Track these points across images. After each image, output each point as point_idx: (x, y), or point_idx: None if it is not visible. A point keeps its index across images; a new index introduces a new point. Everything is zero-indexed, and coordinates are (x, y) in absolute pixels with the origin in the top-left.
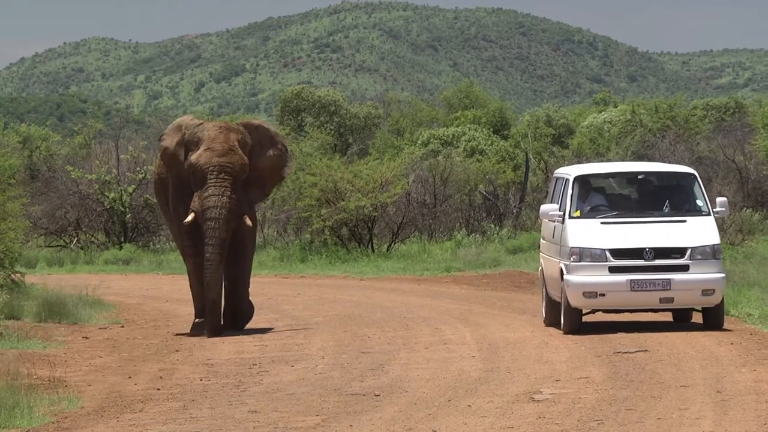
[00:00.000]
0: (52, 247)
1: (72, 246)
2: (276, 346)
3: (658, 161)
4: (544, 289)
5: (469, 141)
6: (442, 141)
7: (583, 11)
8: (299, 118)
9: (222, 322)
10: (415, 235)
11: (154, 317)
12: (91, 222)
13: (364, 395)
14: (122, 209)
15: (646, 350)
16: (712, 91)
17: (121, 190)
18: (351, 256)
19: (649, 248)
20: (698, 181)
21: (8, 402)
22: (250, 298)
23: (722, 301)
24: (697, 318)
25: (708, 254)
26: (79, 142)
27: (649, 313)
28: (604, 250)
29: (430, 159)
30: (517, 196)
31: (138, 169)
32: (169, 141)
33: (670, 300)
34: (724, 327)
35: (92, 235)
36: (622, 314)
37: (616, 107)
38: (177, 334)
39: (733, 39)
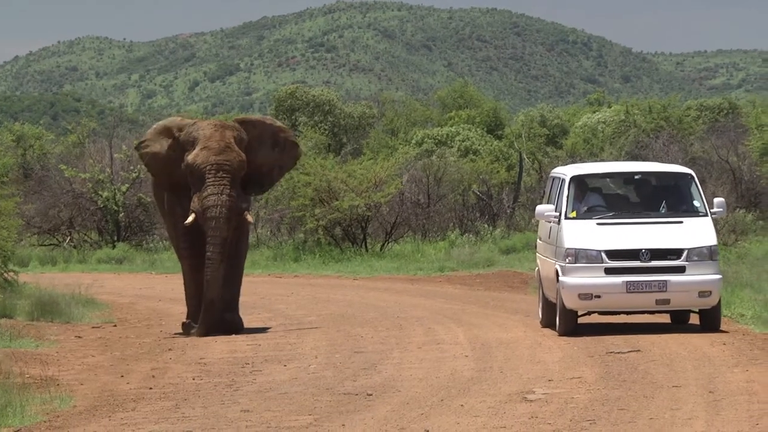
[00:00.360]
0: (45, 245)
1: (65, 245)
2: (269, 345)
3: (651, 162)
4: (540, 291)
5: (463, 141)
6: (436, 141)
7: (578, 12)
8: (293, 117)
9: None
10: (409, 234)
11: (147, 316)
12: (84, 221)
13: (356, 395)
14: (115, 208)
15: (638, 350)
16: (706, 92)
17: (114, 189)
18: (344, 256)
19: (645, 249)
20: (695, 182)
21: (0, 401)
22: (242, 298)
23: (719, 302)
24: (695, 320)
25: (705, 255)
26: (72, 140)
27: (646, 315)
28: (599, 251)
29: (424, 159)
30: (511, 197)
31: (131, 168)
32: (159, 146)
33: (667, 302)
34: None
35: (85, 234)
36: (618, 315)
37: (610, 107)
38: (175, 334)
39: (727, 40)
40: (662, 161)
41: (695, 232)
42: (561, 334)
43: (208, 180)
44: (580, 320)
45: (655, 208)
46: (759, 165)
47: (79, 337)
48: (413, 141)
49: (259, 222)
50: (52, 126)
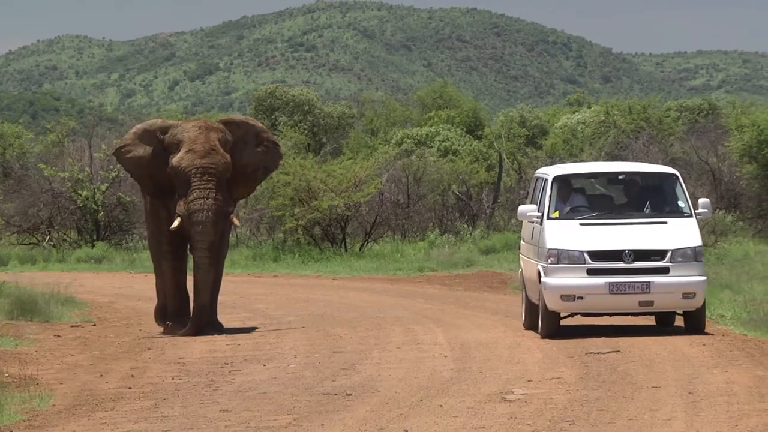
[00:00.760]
0: (24, 244)
1: (44, 244)
2: (248, 345)
3: (635, 162)
4: (523, 292)
5: (442, 141)
6: (416, 141)
7: (558, 12)
8: (273, 117)
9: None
10: (389, 234)
11: (126, 315)
12: (63, 220)
13: (335, 395)
14: (95, 207)
15: (618, 351)
16: (686, 93)
17: (94, 189)
18: (324, 256)
19: (628, 250)
20: (680, 182)
21: None
22: (221, 297)
23: (704, 304)
24: (681, 322)
25: (689, 257)
26: (52, 140)
27: (631, 317)
28: (582, 252)
29: (404, 159)
30: (491, 197)
31: (111, 167)
32: (141, 150)
33: (650, 303)
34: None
35: (65, 233)
36: (602, 317)
37: (590, 108)
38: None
39: (707, 41)
40: (642, 162)
41: (679, 232)
42: (543, 336)
43: (193, 184)
44: (563, 322)
45: (639, 208)
46: (739, 166)
47: (59, 336)
48: (393, 141)
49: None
50: (32, 125)
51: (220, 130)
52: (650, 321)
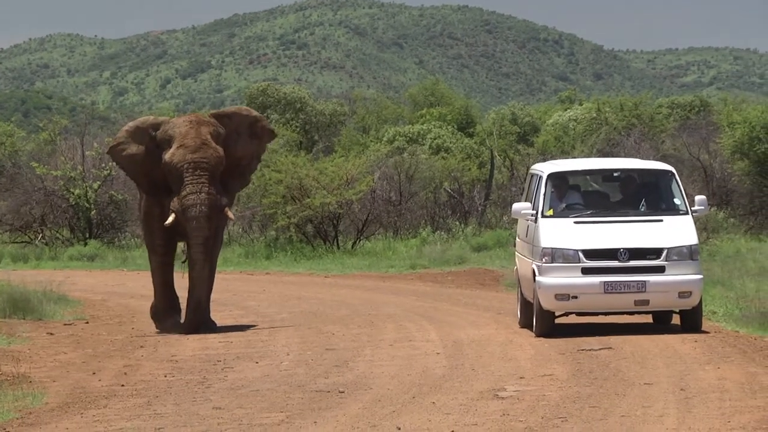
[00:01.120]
0: (16, 243)
1: (37, 242)
2: (241, 342)
3: (630, 158)
4: (518, 290)
5: (434, 138)
6: (408, 138)
7: (549, 9)
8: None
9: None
10: (381, 232)
11: (119, 313)
12: (56, 218)
13: (328, 392)
14: (87, 206)
15: (610, 348)
16: (678, 90)
17: (86, 187)
18: (316, 253)
19: (623, 249)
20: (676, 179)
21: None
22: (214, 295)
23: (700, 303)
24: (678, 320)
25: (685, 255)
26: (44, 138)
27: (627, 315)
28: (576, 250)
29: (396, 156)
30: (482, 194)
31: (103, 165)
32: (135, 147)
33: (646, 302)
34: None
35: (57, 232)
36: (597, 316)
37: (582, 105)
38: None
39: (698, 37)
40: (635, 159)
41: (675, 230)
42: (538, 335)
43: (186, 179)
44: (558, 321)
45: (634, 206)
46: (730, 162)
47: (51, 334)
48: (385, 138)
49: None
50: (24, 123)
51: (211, 124)
52: (646, 319)
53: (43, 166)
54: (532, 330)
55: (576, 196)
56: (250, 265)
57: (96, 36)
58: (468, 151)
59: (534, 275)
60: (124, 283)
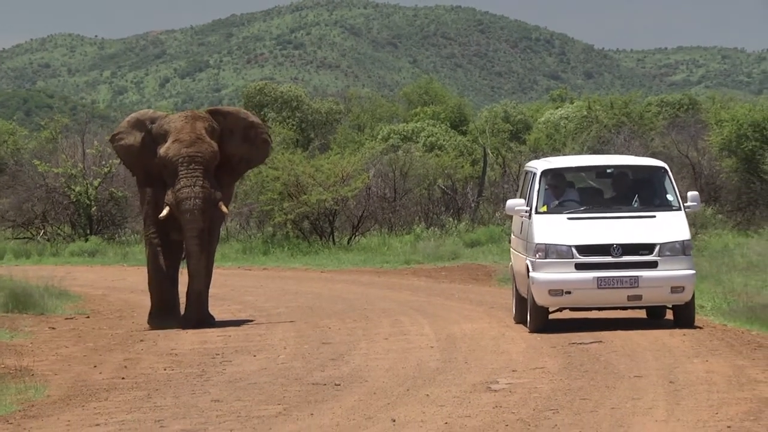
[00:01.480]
0: (19, 239)
1: (39, 238)
2: (239, 336)
3: (623, 155)
4: (513, 286)
5: (428, 136)
6: (402, 136)
7: (541, 9)
8: (262, 113)
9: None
10: (375, 228)
11: (119, 308)
12: (57, 215)
13: (324, 385)
14: (88, 202)
15: (600, 341)
16: (667, 88)
17: (86, 184)
18: (312, 249)
19: (616, 244)
20: (669, 175)
21: None
22: (212, 289)
23: (693, 298)
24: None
25: (677, 250)
26: (45, 136)
27: (619, 311)
28: (570, 246)
29: (390, 154)
30: (475, 191)
31: (103, 163)
32: (132, 138)
33: (638, 298)
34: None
35: (58, 228)
36: (590, 311)
37: (573, 103)
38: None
39: (687, 37)
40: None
41: (668, 226)
42: (532, 331)
43: (180, 172)
44: (551, 316)
45: (627, 202)
46: (718, 160)
47: (53, 328)
48: (379, 136)
49: (228, 216)
50: (26, 122)
51: (206, 120)
52: (639, 314)
53: (45, 163)
54: (526, 325)
55: (570, 193)
56: (248, 260)
57: (96, 36)
58: (461, 148)
59: (528, 271)
60: (124, 279)
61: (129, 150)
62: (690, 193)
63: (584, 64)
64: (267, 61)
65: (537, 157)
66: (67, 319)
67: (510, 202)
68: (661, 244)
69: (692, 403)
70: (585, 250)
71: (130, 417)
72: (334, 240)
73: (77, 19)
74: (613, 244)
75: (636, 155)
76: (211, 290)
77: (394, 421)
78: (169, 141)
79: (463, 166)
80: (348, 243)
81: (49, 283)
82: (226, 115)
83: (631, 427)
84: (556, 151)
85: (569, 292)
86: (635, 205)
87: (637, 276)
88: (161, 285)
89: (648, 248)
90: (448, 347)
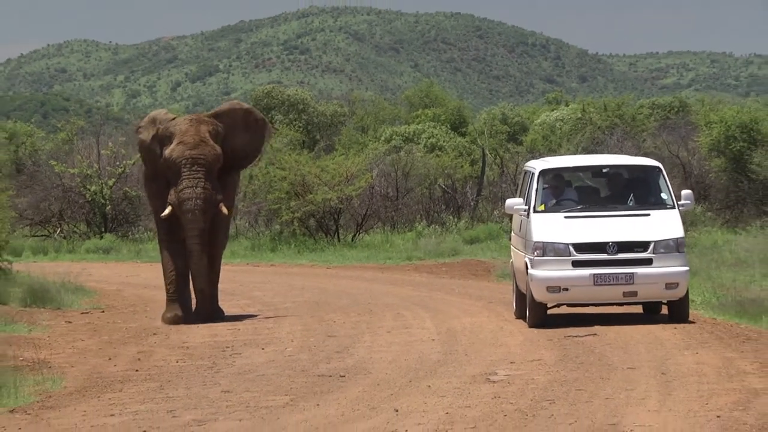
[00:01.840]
0: (37, 236)
1: (55, 236)
2: (248, 330)
3: (620, 155)
4: (514, 282)
5: (429, 138)
6: (404, 137)
7: (537, 15)
8: (270, 115)
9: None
10: (379, 226)
11: (133, 303)
12: (73, 213)
13: (330, 376)
14: (103, 201)
15: (595, 334)
16: (658, 91)
17: (101, 183)
18: (318, 246)
19: (612, 242)
20: (663, 175)
21: None
22: (222, 285)
23: (687, 294)
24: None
25: (671, 248)
26: (62, 138)
27: (616, 307)
28: (567, 244)
29: (393, 154)
30: (474, 190)
31: (117, 163)
32: (146, 134)
33: (634, 294)
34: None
35: (74, 226)
36: (588, 307)
37: (568, 106)
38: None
39: (677, 42)
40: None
41: (662, 224)
42: (531, 326)
43: (183, 174)
44: (550, 312)
45: (622, 201)
46: (708, 160)
47: (69, 322)
48: (382, 138)
49: (237, 214)
50: (43, 124)
51: (210, 123)
52: (633, 309)
53: (61, 164)
54: (525, 320)
55: (567, 192)
56: (256, 257)
57: (110, 42)
58: (461, 149)
59: (527, 268)
60: (137, 274)
61: (142, 144)
62: (684, 192)
63: (579, 68)
64: (274, 66)
65: (534, 158)
66: (82, 313)
67: (509, 201)
68: (655, 241)
69: (683, 394)
70: (581, 247)
71: (143, 407)
72: (339, 237)
73: (92, 25)
74: (608, 242)
75: (629, 155)
76: (221, 286)
77: (397, 411)
78: (174, 143)
79: (462, 166)
80: (352, 240)
81: (66, 279)
82: (227, 114)
83: (624, 416)
84: (551, 152)
85: (566, 289)
86: (630, 204)
87: (633, 273)
88: (173, 282)
89: (643, 246)
90: (448, 340)
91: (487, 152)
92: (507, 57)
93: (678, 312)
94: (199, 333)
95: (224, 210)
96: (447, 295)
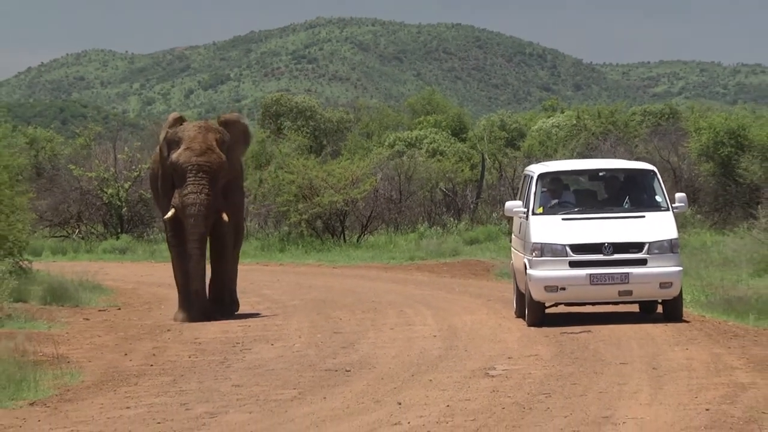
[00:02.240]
0: (56, 237)
1: (74, 236)
2: (257, 326)
3: (616, 159)
4: (514, 282)
5: (430, 143)
6: (407, 143)
7: (534, 26)
8: (278, 122)
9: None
10: (383, 227)
11: (148, 301)
12: (91, 215)
13: (336, 371)
14: (119, 203)
15: (589, 331)
16: (649, 99)
17: (118, 186)
18: (325, 246)
19: (608, 243)
20: (658, 178)
21: (16, 376)
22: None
23: (681, 293)
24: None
25: (665, 248)
26: (80, 143)
27: (611, 306)
28: (564, 245)
29: (396, 159)
30: (474, 193)
31: (133, 167)
32: (164, 134)
33: (629, 293)
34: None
35: (92, 227)
36: (584, 306)
37: (563, 113)
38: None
39: (668, 51)
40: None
41: (657, 226)
42: (530, 325)
43: (188, 179)
44: (548, 311)
45: (618, 203)
46: (697, 164)
47: (87, 319)
48: (386, 143)
49: (248, 216)
50: (62, 130)
51: (218, 131)
52: (629, 308)
53: (80, 168)
54: (525, 319)
55: (565, 195)
56: (266, 257)
57: (127, 51)
58: (461, 154)
59: (526, 268)
60: (152, 274)
61: (161, 143)
62: (678, 195)
63: (574, 76)
64: (283, 75)
65: (531, 162)
66: (100, 310)
67: (509, 204)
68: (650, 242)
69: (674, 388)
70: (578, 248)
71: (157, 400)
72: (344, 238)
73: (109, 35)
74: (604, 243)
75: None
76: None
77: (400, 404)
78: (182, 148)
79: (462, 171)
80: (357, 241)
81: (84, 278)
82: (234, 124)
83: (617, 409)
84: (548, 157)
85: (564, 288)
86: (626, 206)
87: (628, 273)
88: (182, 282)
89: (638, 246)
90: (449, 336)
91: (486, 157)
92: (505, 66)
93: (672, 311)
94: (211, 329)
95: (225, 218)
96: (448, 294)
